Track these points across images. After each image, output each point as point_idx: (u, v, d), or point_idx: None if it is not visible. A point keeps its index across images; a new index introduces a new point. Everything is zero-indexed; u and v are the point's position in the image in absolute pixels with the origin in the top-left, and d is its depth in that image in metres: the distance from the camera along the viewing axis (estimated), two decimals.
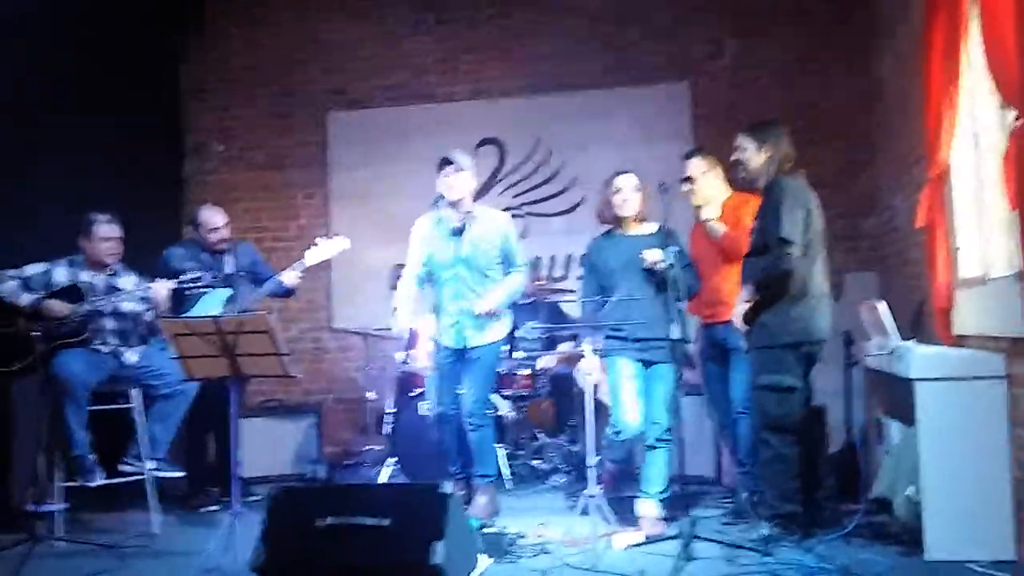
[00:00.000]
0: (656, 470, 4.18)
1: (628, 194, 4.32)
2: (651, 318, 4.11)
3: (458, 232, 4.51)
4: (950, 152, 4.12)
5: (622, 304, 4.12)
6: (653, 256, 4.16)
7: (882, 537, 3.75)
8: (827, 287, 3.94)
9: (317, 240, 5.12)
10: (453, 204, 4.51)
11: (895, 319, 4.05)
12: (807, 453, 3.92)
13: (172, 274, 4.89)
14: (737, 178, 4.16)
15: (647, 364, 4.23)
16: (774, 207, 3.81)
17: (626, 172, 4.37)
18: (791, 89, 6.32)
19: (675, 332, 4.05)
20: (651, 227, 4.39)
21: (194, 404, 4.79)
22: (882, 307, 4.03)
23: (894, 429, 4.12)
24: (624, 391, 4.17)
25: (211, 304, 4.98)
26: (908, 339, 3.98)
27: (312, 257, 5.06)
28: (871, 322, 4.18)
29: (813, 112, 6.19)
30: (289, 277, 5.07)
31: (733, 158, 4.07)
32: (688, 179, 4.47)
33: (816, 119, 6.20)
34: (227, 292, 5.09)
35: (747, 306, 3.91)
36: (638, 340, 4.16)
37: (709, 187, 4.48)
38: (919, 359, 3.60)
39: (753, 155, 3.98)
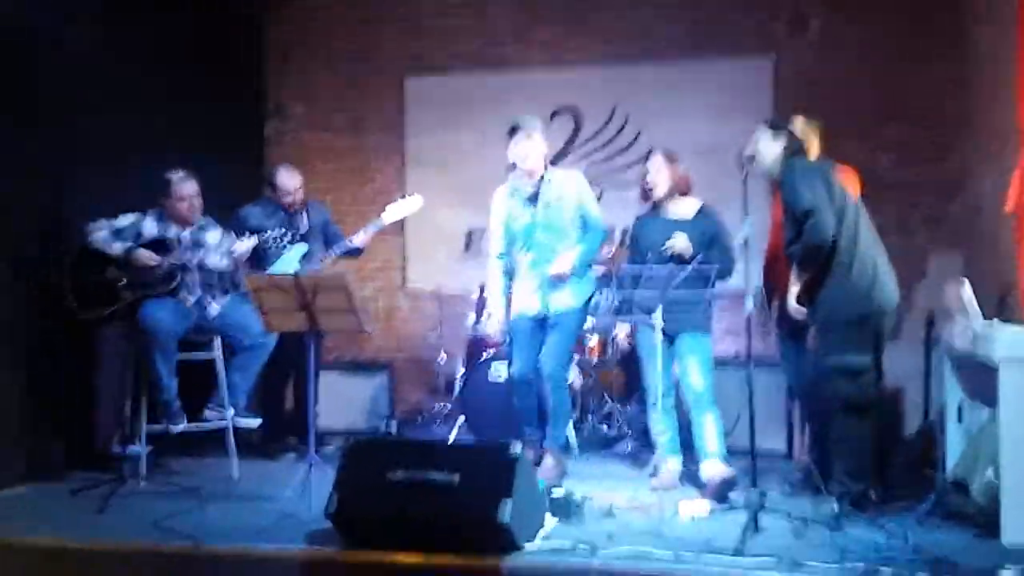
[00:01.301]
0: (707, 432, 4.31)
1: (655, 176, 4.44)
2: (680, 298, 4.11)
3: (533, 198, 4.53)
4: None
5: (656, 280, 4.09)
6: (679, 245, 4.29)
7: (957, 518, 3.68)
8: (880, 254, 3.88)
9: (395, 198, 5.28)
10: (527, 170, 4.51)
11: (979, 302, 3.94)
12: (879, 432, 3.88)
13: (250, 231, 5.02)
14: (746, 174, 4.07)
15: (673, 338, 4.35)
16: (791, 188, 3.82)
17: (654, 152, 4.50)
18: (878, 69, 6.14)
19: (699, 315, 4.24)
20: (693, 205, 4.49)
21: (273, 357, 4.92)
22: (966, 287, 3.93)
23: (975, 411, 4.03)
24: (652, 361, 4.27)
25: (289, 261, 5.14)
26: (991, 321, 3.88)
27: (389, 216, 5.25)
28: (955, 302, 4.08)
29: (900, 93, 6.03)
30: (359, 238, 5.29)
31: (747, 153, 4.02)
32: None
33: (903, 100, 6.04)
34: (303, 248, 5.24)
35: (797, 289, 3.90)
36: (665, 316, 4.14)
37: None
38: (1004, 340, 3.50)
39: (765, 148, 3.98)
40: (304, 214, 5.45)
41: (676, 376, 4.52)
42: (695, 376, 4.38)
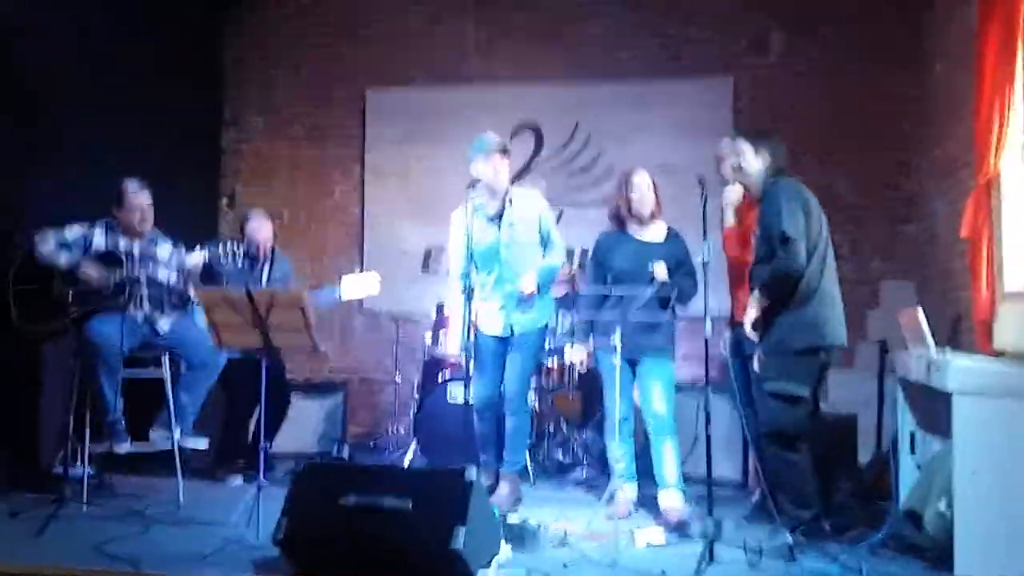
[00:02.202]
0: (666, 459, 4.27)
1: (644, 192, 4.35)
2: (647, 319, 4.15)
3: (496, 217, 4.48)
4: (1000, 158, 4.03)
5: (619, 302, 4.09)
6: (661, 273, 4.21)
7: (910, 550, 3.67)
8: (837, 290, 3.87)
9: (346, 276, 5.18)
10: (492, 188, 4.46)
11: (933, 330, 3.97)
12: (822, 460, 3.87)
13: (213, 274, 4.96)
14: (734, 181, 4.09)
15: (635, 363, 4.31)
16: (775, 209, 3.76)
17: (639, 169, 4.40)
18: (836, 89, 6.25)
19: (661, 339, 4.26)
20: (661, 229, 4.42)
21: (222, 376, 4.81)
22: (920, 315, 3.95)
23: (928, 441, 4.05)
24: (612, 386, 4.22)
25: None
26: (944, 351, 3.90)
27: (345, 292, 5.11)
28: (909, 331, 4.10)
29: (857, 113, 6.12)
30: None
31: (730, 163, 4.00)
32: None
33: (859, 120, 6.12)
34: None
35: (755, 313, 3.85)
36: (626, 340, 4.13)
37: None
38: (958, 370, 3.52)
39: (751, 160, 3.93)
40: (268, 264, 5.35)
41: (636, 401, 4.48)
42: (657, 401, 4.31)
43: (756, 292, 3.87)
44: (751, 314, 3.89)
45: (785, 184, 3.83)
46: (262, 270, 5.33)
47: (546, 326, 4.66)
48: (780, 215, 3.72)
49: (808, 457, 3.81)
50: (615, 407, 4.26)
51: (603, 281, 4.37)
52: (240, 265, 5.07)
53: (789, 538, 3.66)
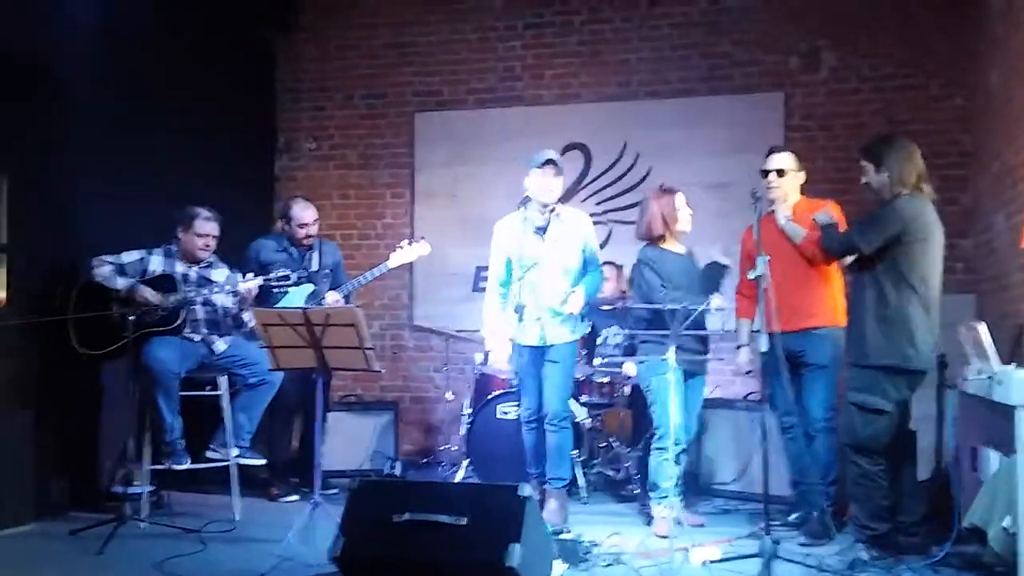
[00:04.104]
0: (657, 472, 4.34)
1: (685, 213, 4.53)
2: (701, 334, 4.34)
3: (542, 230, 4.53)
4: None
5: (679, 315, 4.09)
6: (718, 303, 4.34)
7: (974, 568, 3.61)
8: (935, 316, 3.84)
9: (401, 244, 5.30)
10: (543, 205, 4.50)
11: (995, 344, 3.88)
12: (895, 477, 3.81)
13: (260, 266, 5.02)
14: (867, 198, 4.09)
15: (687, 375, 4.35)
16: (872, 218, 3.81)
17: (676, 189, 4.57)
18: (889, 103, 6.17)
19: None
20: (680, 246, 4.58)
21: (278, 395, 4.87)
22: (983, 329, 3.87)
23: (991, 457, 3.95)
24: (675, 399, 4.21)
25: (294, 299, 5.09)
26: (1007, 365, 3.81)
27: (395, 260, 5.27)
28: (970, 345, 4.02)
29: (911, 127, 6.00)
30: (330, 298, 5.27)
31: (862, 180, 3.99)
32: (779, 172, 4.41)
33: (912, 135, 5.98)
34: (308, 288, 5.20)
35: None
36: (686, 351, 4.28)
37: (791, 185, 4.45)
38: (1022, 384, 3.44)
39: (873, 176, 3.92)
40: (316, 252, 5.41)
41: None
42: (693, 417, 4.44)
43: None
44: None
45: (904, 203, 3.80)
46: (311, 257, 5.38)
47: (578, 340, 4.69)
48: (867, 223, 3.80)
49: (887, 471, 3.79)
50: (671, 423, 4.19)
51: (658, 294, 4.38)
52: (291, 254, 5.18)
53: (864, 555, 3.61)
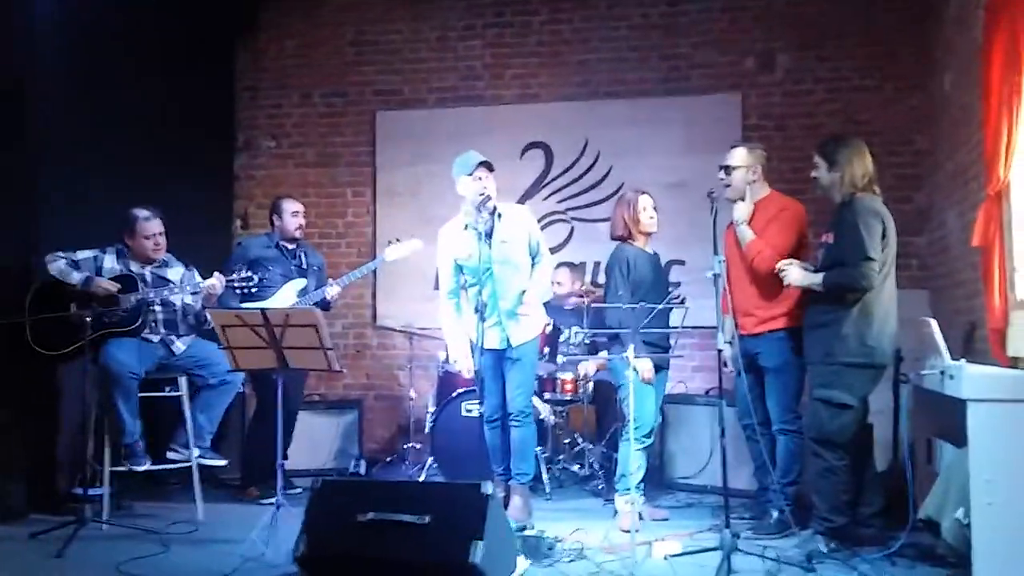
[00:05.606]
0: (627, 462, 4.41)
1: (652, 212, 4.61)
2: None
3: (487, 235, 4.50)
4: (1010, 169, 4.04)
5: (649, 312, 4.13)
6: None
7: (928, 559, 3.69)
8: (894, 309, 3.92)
9: (390, 241, 5.43)
10: (481, 206, 4.46)
11: (946, 340, 3.97)
12: (855, 470, 3.89)
13: (250, 263, 5.03)
14: (814, 193, 4.16)
15: (657, 369, 4.50)
16: (852, 225, 3.82)
17: (639, 190, 4.65)
18: (844, 103, 6.27)
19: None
20: (648, 246, 4.68)
21: (239, 395, 4.85)
22: (934, 326, 3.96)
23: (944, 450, 4.04)
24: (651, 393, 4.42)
25: (287, 293, 5.14)
26: (958, 360, 3.90)
27: (390, 255, 5.38)
28: (923, 341, 4.11)
29: (865, 127, 6.11)
30: (332, 291, 5.30)
31: (812, 174, 4.05)
32: (727, 169, 4.42)
33: (868, 136, 6.10)
34: (302, 283, 5.24)
35: (800, 277, 3.96)
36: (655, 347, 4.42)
37: (742, 181, 4.40)
38: (973, 379, 3.52)
39: (824, 174, 4.00)
40: (303, 251, 5.44)
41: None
42: (657, 411, 4.57)
43: (818, 278, 3.92)
44: (797, 276, 3.98)
45: (867, 204, 3.87)
46: (300, 255, 5.41)
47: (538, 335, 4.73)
48: (862, 235, 3.79)
49: (849, 465, 3.87)
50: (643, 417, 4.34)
51: (633, 291, 4.43)
52: (282, 251, 5.23)
53: (821, 543, 3.68)
